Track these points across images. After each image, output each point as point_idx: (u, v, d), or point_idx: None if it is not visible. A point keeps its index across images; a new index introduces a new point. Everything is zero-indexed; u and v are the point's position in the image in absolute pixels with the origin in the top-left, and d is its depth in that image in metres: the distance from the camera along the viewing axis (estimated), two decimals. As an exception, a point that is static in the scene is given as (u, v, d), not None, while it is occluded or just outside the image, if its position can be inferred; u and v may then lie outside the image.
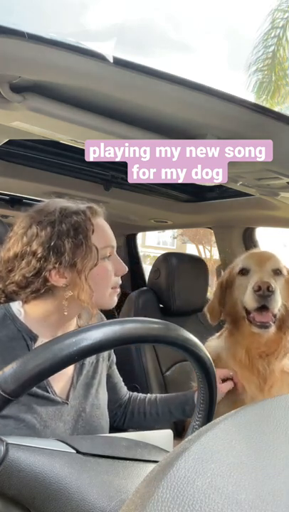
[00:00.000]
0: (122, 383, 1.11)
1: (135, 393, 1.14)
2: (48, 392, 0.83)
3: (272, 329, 1.10)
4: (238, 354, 1.15)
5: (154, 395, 1.13)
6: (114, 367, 1.08)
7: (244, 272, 1.18)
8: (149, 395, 1.13)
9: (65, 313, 0.86)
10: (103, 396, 0.96)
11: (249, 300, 1.10)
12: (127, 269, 0.92)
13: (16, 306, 0.87)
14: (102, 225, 0.90)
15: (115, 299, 0.93)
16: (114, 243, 0.92)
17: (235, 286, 1.19)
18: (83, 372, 0.92)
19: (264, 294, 1.07)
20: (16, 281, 0.84)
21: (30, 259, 0.82)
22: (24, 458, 0.47)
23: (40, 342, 0.84)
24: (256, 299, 1.08)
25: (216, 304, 1.24)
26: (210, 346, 1.26)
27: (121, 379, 1.11)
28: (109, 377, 1.04)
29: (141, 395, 1.13)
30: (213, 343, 1.28)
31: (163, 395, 1.13)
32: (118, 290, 0.93)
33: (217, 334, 1.34)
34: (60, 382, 0.87)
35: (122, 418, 1.10)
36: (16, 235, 0.86)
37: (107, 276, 0.88)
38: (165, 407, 1.08)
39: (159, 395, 1.12)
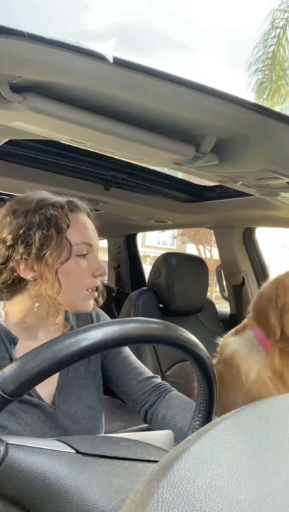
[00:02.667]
0: (139, 371, 0.96)
1: (176, 393, 0.96)
2: (32, 396, 0.81)
3: None
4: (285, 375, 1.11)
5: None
6: (117, 358, 0.97)
7: None
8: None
9: (35, 309, 0.82)
10: (96, 395, 0.92)
11: None
12: (105, 270, 0.88)
13: None
14: (83, 221, 0.87)
15: (90, 303, 0.87)
16: (94, 242, 0.87)
17: None
18: (70, 375, 0.89)
19: None
20: None
21: (0, 247, 0.81)
22: (24, 458, 0.47)
23: (20, 345, 0.83)
24: None
25: (274, 322, 1.14)
26: (230, 345, 1.22)
27: (136, 367, 0.97)
28: (110, 369, 0.96)
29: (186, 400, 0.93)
30: (235, 343, 1.23)
31: None
32: (95, 294, 0.87)
33: (232, 331, 1.29)
34: (45, 386, 0.83)
35: (143, 413, 0.95)
36: None
37: (81, 275, 0.84)
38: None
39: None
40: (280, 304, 1.15)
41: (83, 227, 0.86)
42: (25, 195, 0.87)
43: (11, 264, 0.80)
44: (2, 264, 0.81)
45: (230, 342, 1.24)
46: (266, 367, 1.13)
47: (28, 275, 0.81)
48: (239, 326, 1.29)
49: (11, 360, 0.80)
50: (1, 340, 0.82)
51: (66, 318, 0.92)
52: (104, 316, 1.03)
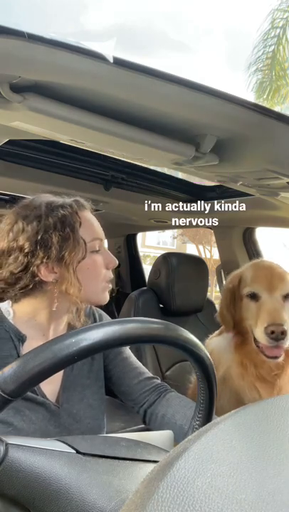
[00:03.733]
0: (139, 371, 0.97)
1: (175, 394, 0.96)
2: (36, 394, 0.82)
3: (282, 357, 1.10)
4: (248, 370, 1.13)
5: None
6: (118, 358, 0.97)
7: (253, 296, 1.15)
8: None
9: (54, 308, 0.84)
10: (99, 395, 0.93)
11: (260, 338, 1.08)
12: (117, 261, 0.91)
13: (5, 307, 0.86)
14: (90, 218, 0.89)
15: (107, 295, 0.90)
16: (103, 236, 0.91)
17: (244, 307, 1.17)
18: (74, 373, 0.89)
19: (277, 338, 1.05)
20: (4, 278, 0.82)
21: (17, 254, 0.81)
22: (24, 458, 0.47)
23: (28, 343, 0.83)
24: (268, 340, 1.07)
25: (225, 313, 1.21)
26: (210, 345, 1.26)
27: (136, 367, 0.97)
28: (111, 369, 0.96)
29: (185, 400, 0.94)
30: (214, 342, 1.27)
31: None
32: (110, 286, 0.91)
33: (216, 332, 1.33)
34: (49, 384, 0.85)
35: (142, 413, 0.96)
36: (2, 232, 0.84)
37: (98, 270, 0.87)
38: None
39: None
40: (236, 295, 1.19)
41: (92, 224, 0.89)
42: (29, 200, 0.88)
43: (31, 269, 0.81)
44: (22, 271, 0.81)
45: (211, 342, 1.28)
46: (236, 363, 1.16)
47: (49, 278, 0.82)
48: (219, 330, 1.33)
49: (19, 357, 0.80)
50: (10, 337, 0.82)
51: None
52: (107, 317, 1.04)
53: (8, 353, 0.81)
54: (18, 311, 0.85)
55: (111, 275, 0.91)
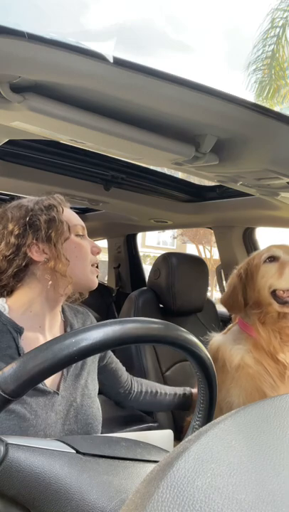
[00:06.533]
0: (123, 370, 1.16)
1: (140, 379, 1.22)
2: None
3: None
4: (272, 340, 1.21)
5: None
6: (110, 356, 1.11)
7: (272, 259, 1.27)
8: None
9: (48, 286, 0.89)
10: (93, 386, 0.98)
11: (286, 283, 1.20)
12: (100, 249, 1.00)
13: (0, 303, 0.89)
14: (71, 211, 1.00)
15: (96, 279, 0.98)
16: (83, 224, 0.99)
17: (261, 274, 1.27)
18: (73, 365, 0.93)
19: None
20: None
21: (8, 239, 0.88)
22: (24, 458, 0.47)
23: (25, 335, 0.86)
24: None
25: (238, 296, 1.30)
26: (216, 342, 1.33)
27: (121, 366, 1.16)
28: (105, 366, 1.08)
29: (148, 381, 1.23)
30: (221, 339, 1.34)
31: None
32: (98, 270, 0.99)
33: (222, 332, 1.39)
34: None
35: (128, 396, 1.16)
36: None
37: (83, 250, 0.95)
38: (171, 390, 1.22)
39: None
40: (243, 277, 1.30)
41: (73, 213, 0.99)
42: (16, 201, 0.97)
43: (22, 249, 0.88)
44: (14, 253, 0.88)
45: (216, 339, 1.34)
46: (250, 351, 1.23)
47: (40, 258, 0.89)
48: (226, 329, 1.41)
49: (18, 348, 0.83)
50: (8, 330, 0.84)
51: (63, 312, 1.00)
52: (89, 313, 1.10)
53: (7, 344, 0.83)
54: (12, 305, 0.89)
55: (97, 260, 1.00)
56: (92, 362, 1.00)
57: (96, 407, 0.95)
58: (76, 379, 0.93)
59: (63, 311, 1.00)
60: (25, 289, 0.91)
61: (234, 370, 1.22)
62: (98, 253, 0.99)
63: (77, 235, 0.96)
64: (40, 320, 0.91)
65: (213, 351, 1.30)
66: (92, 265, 0.97)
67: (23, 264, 0.88)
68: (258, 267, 1.28)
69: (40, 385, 0.84)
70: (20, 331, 0.85)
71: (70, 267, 0.90)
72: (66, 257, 0.90)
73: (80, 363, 0.95)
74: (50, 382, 0.88)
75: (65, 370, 0.91)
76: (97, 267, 1.00)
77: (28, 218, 0.89)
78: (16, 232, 0.88)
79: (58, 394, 0.87)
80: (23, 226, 0.88)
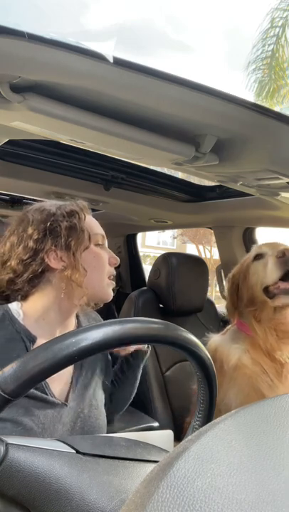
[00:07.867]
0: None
1: None
2: (46, 394, 0.83)
3: None
4: (269, 337, 1.22)
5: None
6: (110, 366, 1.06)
7: (259, 256, 1.29)
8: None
9: (62, 295, 0.87)
10: (100, 396, 0.95)
11: (272, 271, 1.20)
12: (119, 260, 0.97)
13: (14, 307, 0.87)
14: (92, 219, 0.97)
15: (111, 293, 0.95)
16: (104, 233, 0.97)
17: (251, 273, 1.29)
18: (83, 374, 0.92)
19: (287, 258, 1.18)
20: (13, 267, 0.86)
21: (26, 243, 0.86)
22: (24, 458, 0.47)
23: (38, 343, 0.84)
24: (279, 266, 1.19)
25: (233, 299, 1.33)
26: (214, 342, 1.35)
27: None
28: (106, 377, 1.02)
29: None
30: (219, 339, 1.36)
31: None
32: (114, 283, 0.96)
33: (220, 333, 1.40)
34: (58, 384, 0.87)
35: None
36: (12, 228, 0.90)
37: (102, 261, 0.92)
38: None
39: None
40: (236, 279, 1.34)
41: (95, 222, 0.96)
42: (38, 204, 0.94)
43: (40, 255, 0.85)
44: (31, 258, 0.85)
45: (215, 340, 1.36)
46: (247, 350, 1.24)
47: (58, 265, 0.86)
48: (225, 330, 1.43)
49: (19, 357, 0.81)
50: (21, 338, 0.83)
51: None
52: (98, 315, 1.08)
53: (18, 353, 0.81)
54: (27, 311, 0.87)
55: (114, 272, 0.96)
56: (100, 372, 0.98)
57: (102, 419, 0.93)
58: (85, 389, 0.91)
59: (78, 318, 0.99)
60: (40, 296, 0.88)
61: (231, 371, 1.23)
62: (116, 264, 0.96)
63: (97, 245, 0.93)
64: (51, 329, 0.89)
65: (211, 352, 1.30)
66: (109, 277, 0.94)
67: (40, 269, 0.86)
68: (249, 266, 1.31)
69: (49, 397, 0.83)
70: (33, 339, 0.84)
71: (86, 277, 0.86)
72: (84, 267, 0.87)
73: (89, 373, 0.94)
74: (58, 393, 0.86)
75: (74, 380, 0.90)
76: (113, 279, 0.96)
77: (48, 223, 0.86)
78: (35, 237, 0.85)
79: (66, 405, 0.85)
80: (43, 231, 0.86)
